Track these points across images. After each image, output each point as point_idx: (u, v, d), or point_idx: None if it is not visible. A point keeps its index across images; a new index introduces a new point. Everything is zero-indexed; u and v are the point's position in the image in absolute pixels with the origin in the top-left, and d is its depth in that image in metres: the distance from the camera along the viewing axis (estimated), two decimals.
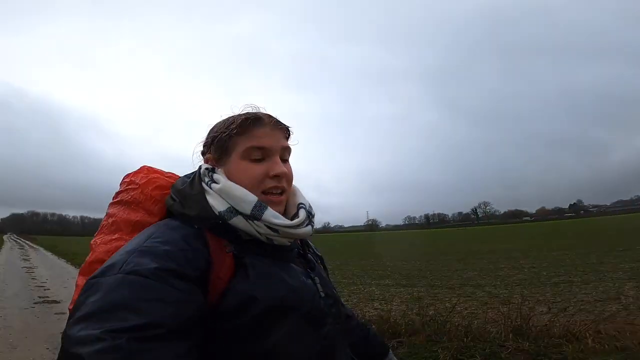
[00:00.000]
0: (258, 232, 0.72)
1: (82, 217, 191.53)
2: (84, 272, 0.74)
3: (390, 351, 1.05)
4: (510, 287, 6.75)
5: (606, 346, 2.99)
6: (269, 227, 0.71)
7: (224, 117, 0.81)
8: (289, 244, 0.77)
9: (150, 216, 0.79)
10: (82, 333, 0.51)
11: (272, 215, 0.72)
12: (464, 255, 14.09)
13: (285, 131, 0.80)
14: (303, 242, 0.87)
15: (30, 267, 12.43)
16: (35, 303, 6.15)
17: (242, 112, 0.79)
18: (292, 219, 0.76)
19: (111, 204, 0.83)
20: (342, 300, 0.89)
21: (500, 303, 5.08)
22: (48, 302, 6.30)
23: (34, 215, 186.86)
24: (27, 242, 41.81)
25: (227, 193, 0.72)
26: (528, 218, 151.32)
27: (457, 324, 3.53)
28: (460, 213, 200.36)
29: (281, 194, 0.77)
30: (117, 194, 0.84)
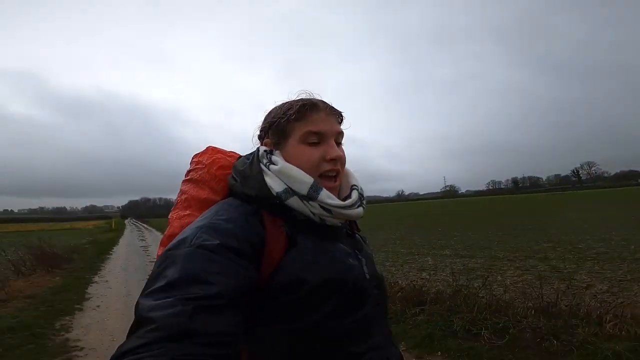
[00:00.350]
0: (312, 213, 0.75)
1: None
2: (163, 244, 0.81)
3: None
4: (581, 262, 6.32)
5: (623, 333, 2.85)
6: (322, 208, 0.75)
7: (280, 103, 0.84)
8: (340, 224, 0.81)
9: (214, 194, 0.84)
10: (155, 302, 0.57)
11: (326, 196, 0.75)
12: (544, 225, 12.98)
13: (338, 116, 0.83)
14: (352, 223, 0.89)
15: (145, 246, 15.13)
16: (149, 274, 7.77)
17: (297, 98, 0.83)
18: (344, 200, 0.80)
19: (183, 182, 0.90)
20: (393, 270, 1.04)
21: (558, 279, 4.94)
22: None
23: (146, 201, 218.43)
24: (143, 224, 49.81)
25: (285, 174, 0.76)
26: None
27: (483, 296, 3.61)
28: (557, 175, 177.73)
29: (336, 176, 0.80)
30: (188, 172, 0.90)
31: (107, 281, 7.31)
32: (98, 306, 5.26)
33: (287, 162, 0.78)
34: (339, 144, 0.82)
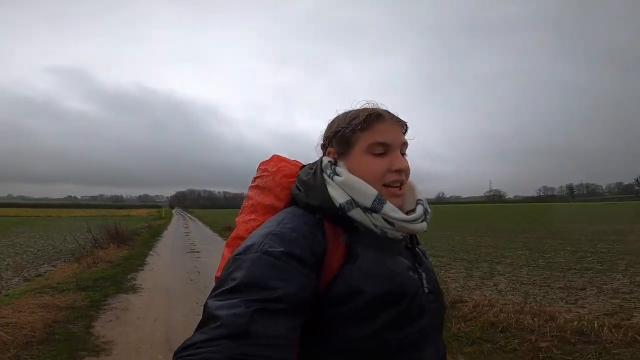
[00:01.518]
0: (374, 225, 0.75)
1: (224, 192, 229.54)
2: (229, 245, 0.84)
3: None
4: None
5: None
6: (385, 220, 0.75)
7: (343, 112, 0.84)
8: (402, 237, 0.80)
9: (278, 201, 0.86)
10: (221, 302, 0.61)
11: (390, 209, 0.75)
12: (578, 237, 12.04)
13: (403, 126, 0.83)
14: (412, 236, 0.87)
15: (187, 232, 18.21)
16: (187, 252, 10.16)
17: (362, 108, 0.83)
18: (407, 213, 0.79)
19: (250, 188, 0.92)
20: None
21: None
22: (194, 252, 10.28)
23: (191, 192, 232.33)
24: (187, 214, 54.83)
25: (349, 186, 0.76)
26: None
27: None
28: (619, 184, 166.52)
29: (400, 187, 0.80)
30: (254, 179, 0.92)
31: (158, 255, 9.79)
32: (152, 269, 7.53)
33: (351, 172, 0.78)
34: (403, 154, 0.82)
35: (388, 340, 0.72)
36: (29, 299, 4.72)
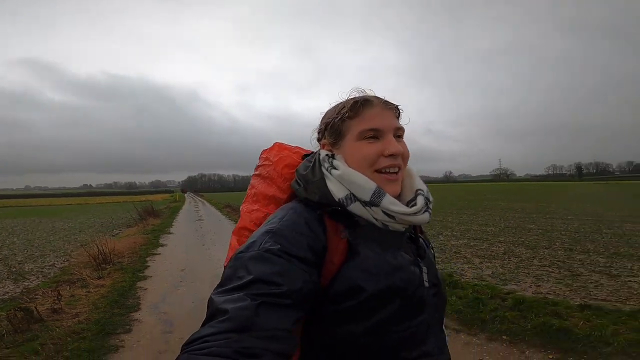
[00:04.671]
0: (374, 218, 0.75)
1: (234, 175, 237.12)
2: (235, 233, 0.88)
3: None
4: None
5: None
6: (385, 214, 0.74)
7: (334, 104, 0.84)
8: (404, 229, 0.79)
9: (281, 192, 0.87)
10: (228, 297, 0.62)
11: (390, 202, 0.74)
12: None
13: (395, 110, 0.81)
14: (416, 227, 0.86)
15: (197, 209, 24.86)
16: (196, 221, 16.25)
17: (351, 97, 0.82)
18: (408, 204, 0.78)
19: (253, 176, 0.93)
20: None
21: None
22: (200, 220, 16.39)
23: (202, 176, 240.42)
24: (198, 197, 61.82)
25: (347, 179, 0.75)
26: None
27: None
28: (630, 163, 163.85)
29: (397, 172, 0.78)
30: (257, 167, 0.93)
31: (178, 222, 15.97)
32: (172, 233, 13.05)
33: (346, 161, 0.78)
34: (399, 138, 0.80)
35: (389, 335, 0.72)
36: (127, 236, 10.66)
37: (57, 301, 4.18)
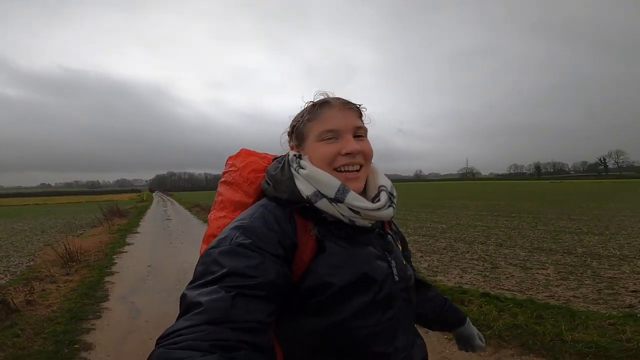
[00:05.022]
0: (341, 214, 0.77)
1: (205, 174, 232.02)
2: (205, 242, 0.86)
3: (468, 319, 1.08)
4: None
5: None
6: (351, 210, 0.76)
7: (303, 107, 0.87)
8: (370, 225, 0.81)
9: (247, 196, 0.87)
10: (202, 290, 0.62)
11: (354, 198, 0.77)
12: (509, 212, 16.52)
13: (356, 110, 0.84)
14: (384, 223, 0.89)
15: (165, 209, 24.68)
16: (164, 220, 16.38)
17: (315, 100, 0.85)
18: (373, 200, 0.81)
19: (220, 183, 0.94)
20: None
21: None
22: (169, 220, 16.49)
23: (172, 175, 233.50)
24: (167, 197, 60.51)
25: (313, 178, 0.78)
26: None
27: None
28: (584, 163, 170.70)
29: (358, 170, 0.81)
30: (223, 174, 0.94)
31: (146, 221, 16.01)
32: (139, 233, 13.28)
33: (311, 161, 0.81)
34: (359, 137, 0.82)
35: (358, 329, 0.74)
36: (92, 236, 10.79)
37: (30, 294, 4.56)
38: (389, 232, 0.90)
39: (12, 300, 4.26)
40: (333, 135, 0.80)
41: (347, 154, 0.79)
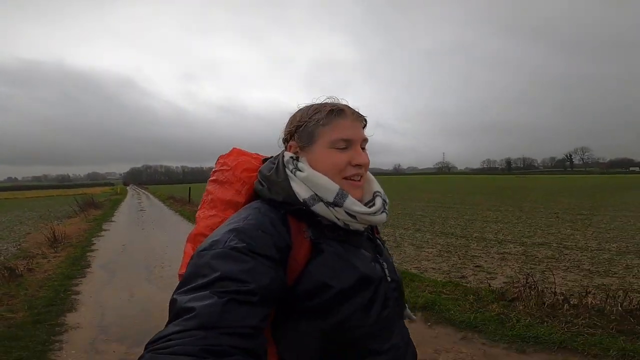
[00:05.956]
0: (337, 218, 0.78)
1: (182, 167, 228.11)
2: (190, 241, 0.85)
3: (407, 307, 1.07)
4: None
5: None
6: (347, 214, 0.77)
7: (305, 106, 0.86)
8: (363, 229, 0.83)
9: (239, 196, 0.87)
10: (193, 295, 0.61)
11: (352, 203, 0.78)
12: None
13: (363, 121, 0.85)
14: (373, 227, 0.91)
15: (140, 202, 25.80)
16: (138, 211, 17.59)
17: (323, 102, 0.85)
18: (367, 205, 0.82)
19: (209, 181, 0.93)
20: None
21: None
22: (143, 211, 17.71)
23: (147, 168, 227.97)
24: (142, 190, 60.65)
25: (311, 181, 0.78)
26: (636, 169, 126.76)
27: None
28: (553, 159, 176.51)
29: (360, 179, 0.83)
30: (213, 172, 0.93)
31: (120, 212, 17.18)
32: (114, 221, 14.52)
33: (313, 165, 0.81)
34: (363, 149, 0.85)
35: (358, 329, 0.75)
36: (71, 224, 12.00)
37: (29, 265, 5.97)
38: (377, 236, 0.93)
39: (17, 267, 5.68)
40: (346, 145, 0.81)
41: (356, 164, 0.81)
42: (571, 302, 3.65)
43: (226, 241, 0.69)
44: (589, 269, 5.64)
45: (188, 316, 0.57)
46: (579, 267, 5.80)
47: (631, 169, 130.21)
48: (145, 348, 0.56)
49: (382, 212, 0.84)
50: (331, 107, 0.82)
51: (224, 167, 0.91)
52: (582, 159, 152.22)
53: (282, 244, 0.73)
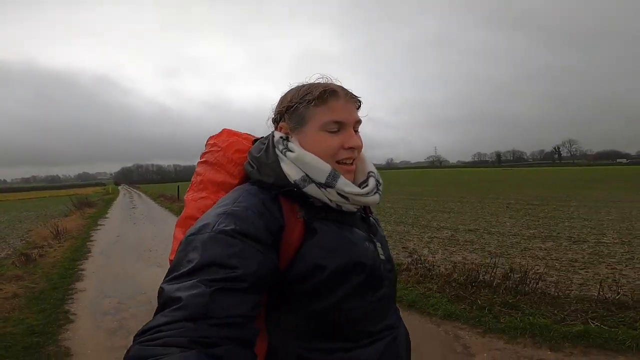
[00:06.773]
0: (329, 199, 0.76)
1: (174, 165, 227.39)
2: (179, 225, 0.84)
3: None
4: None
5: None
6: (340, 195, 0.76)
7: (296, 86, 0.84)
8: (356, 210, 0.82)
9: (231, 177, 0.85)
10: (181, 284, 0.59)
11: (344, 183, 0.76)
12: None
13: (357, 103, 0.83)
14: (366, 207, 0.89)
15: (132, 200, 26.97)
16: (130, 208, 18.92)
17: (315, 82, 0.82)
18: (360, 186, 0.81)
19: (199, 163, 0.91)
20: None
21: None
22: (134, 208, 19.07)
23: (139, 167, 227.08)
24: (134, 189, 61.69)
25: (302, 162, 0.76)
26: (623, 160, 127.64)
27: None
28: (542, 151, 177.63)
29: (352, 163, 0.81)
30: (203, 154, 0.91)
31: (113, 211, 18.39)
32: (108, 218, 15.79)
33: (304, 147, 0.78)
34: (356, 131, 0.82)
35: (354, 310, 0.75)
36: (69, 221, 13.29)
37: (40, 252, 7.32)
38: (370, 215, 0.92)
39: (32, 253, 7.03)
40: (338, 127, 0.79)
41: (349, 148, 0.79)
42: (440, 273, 4.64)
43: (215, 224, 0.67)
44: (489, 251, 6.43)
45: (175, 307, 0.57)
46: (484, 249, 6.62)
47: (618, 160, 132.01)
48: (134, 340, 0.55)
49: (375, 192, 0.83)
50: (323, 87, 0.79)
51: (214, 148, 0.90)
52: (570, 151, 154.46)
53: (275, 224, 0.72)
